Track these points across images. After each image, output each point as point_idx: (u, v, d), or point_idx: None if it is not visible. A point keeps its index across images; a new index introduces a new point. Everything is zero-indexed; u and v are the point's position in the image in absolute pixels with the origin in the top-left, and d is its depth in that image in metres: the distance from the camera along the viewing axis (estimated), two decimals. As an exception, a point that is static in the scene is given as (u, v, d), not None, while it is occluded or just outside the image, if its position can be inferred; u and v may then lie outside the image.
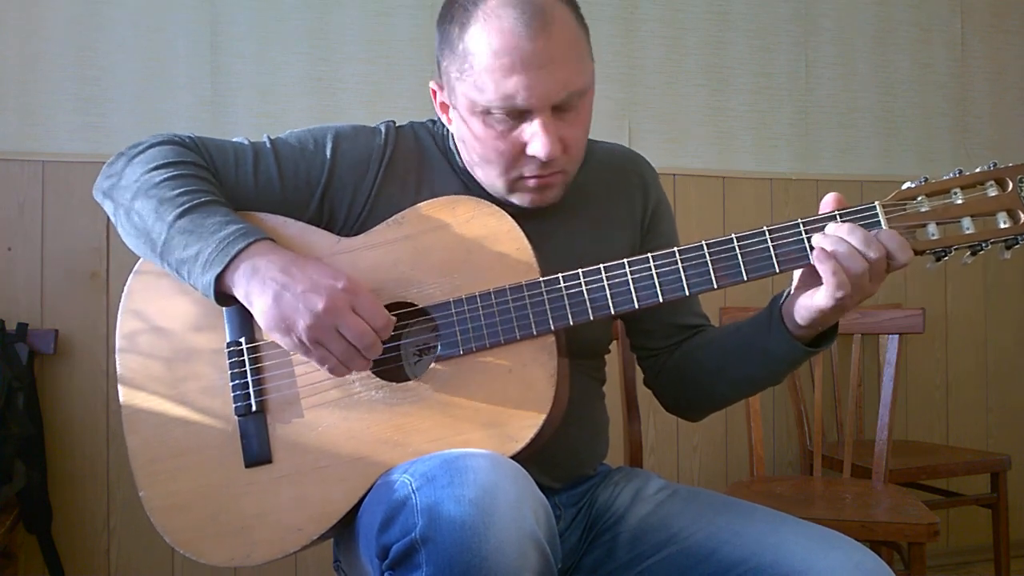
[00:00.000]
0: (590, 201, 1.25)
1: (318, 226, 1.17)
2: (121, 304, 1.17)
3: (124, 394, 1.15)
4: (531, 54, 1.04)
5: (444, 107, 1.17)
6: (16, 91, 2.27)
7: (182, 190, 1.09)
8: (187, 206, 1.07)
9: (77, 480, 2.25)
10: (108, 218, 1.16)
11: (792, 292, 1.10)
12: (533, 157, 1.09)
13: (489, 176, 1.15)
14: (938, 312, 2.96)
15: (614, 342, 1.53)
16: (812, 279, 1.04)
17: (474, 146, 1.12)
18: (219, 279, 1.04)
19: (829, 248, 1.01)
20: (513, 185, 1.14)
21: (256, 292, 1.03)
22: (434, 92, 1.18)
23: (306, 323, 1.01)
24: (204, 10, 2.39)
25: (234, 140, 1.21)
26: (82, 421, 2.25)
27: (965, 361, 3.01)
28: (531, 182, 1.12)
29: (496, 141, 1.10)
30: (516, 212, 1.13)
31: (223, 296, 1.06)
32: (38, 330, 2.21)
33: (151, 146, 1.15)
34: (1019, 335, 3.06)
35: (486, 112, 1.08)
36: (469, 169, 1.19)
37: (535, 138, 1.07)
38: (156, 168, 1.11)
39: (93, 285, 2.28)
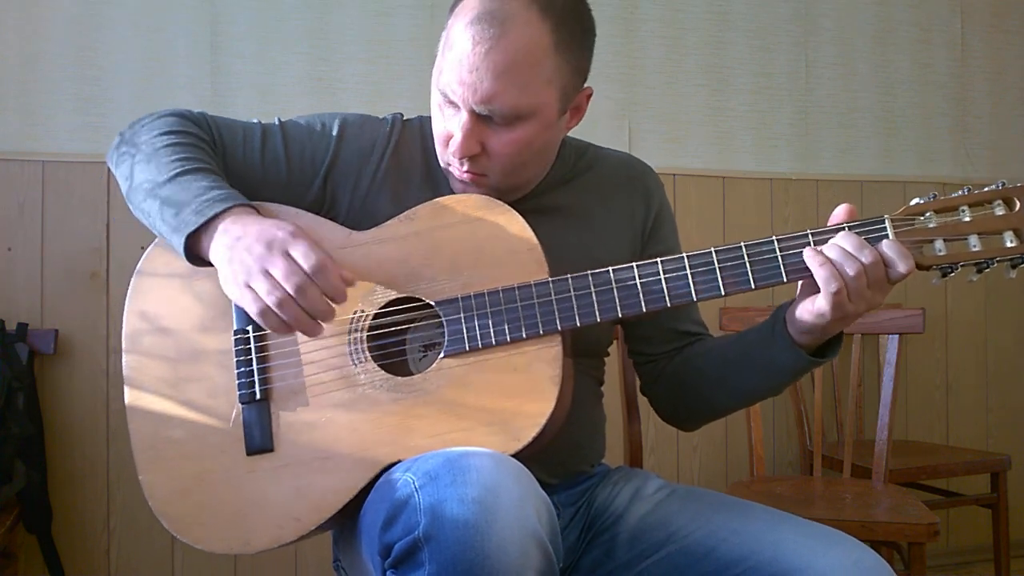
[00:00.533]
0: (594, 206, 1.25)
1: (320, 209, 1.19)
2: (126, 304, 1.18)
3: (129, 394, 1.15)
4: (465, 56, 1.06)
5: None
6: (16, 91, 2.27)
7: (178, 156, 1.12)
8: (178, 171, 1.10)
9: (77, 480, 2.25)
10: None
11: (796, 300, 1.10)
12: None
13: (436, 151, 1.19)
14: (938, 312, 2.96)
15: (614, 343, 1.53)
16: (814, 287, 1.05)
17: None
18: (193, 236, 1.06)
19: (820, 250, 1.03)
20: (446, 168, 1.18)
21: (217, 246, 1.05)
22: None
23: (242, 266, 1.01)
24: (204, 10, 2.39)
25: (246, 121, 1.24)
26: (82, 421, 2.25)
27: (965, 361, 3.01)
28: (454, 171, 1.16)
29: (436, 122, 1.15)
30: (525, 212, 1.13)
31: (194, 256, 1.08)
32: (38, 330, 2.21)
33: (161, 116, 1.19)
34: (1019, 335, 3.06)
35: (435, 92, 1.12)
36: None
37: (454, 131, 1.11)
38: (161, 134, 1.15)
39: (93, 285, 2.27)
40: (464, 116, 1.09)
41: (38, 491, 2.14)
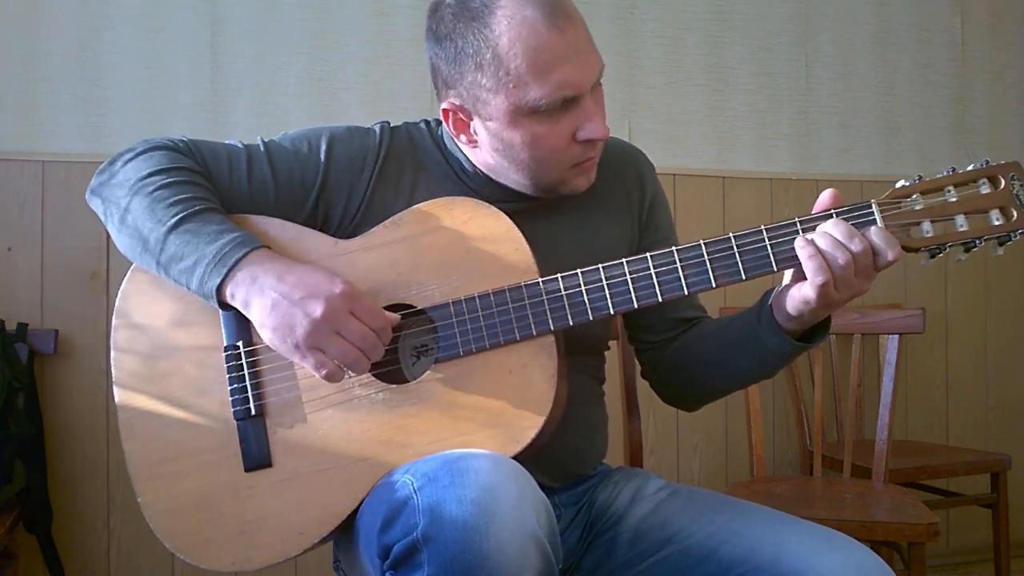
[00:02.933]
0: (588, 197, 1.24)
1: (314, 228, 1.17)
2: (116, 305, 1.17)
3: (119, 396, 1.14)
4: (567, 45, 1.06)
5: (463, 125, 1.15)
6: (16, 91, 2.27)
7: (177, 198, 1.09)
8: (183, 215, 1.08)
9: (77, 480, 2.25)
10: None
11: (783, 286, 1.11)
12: (585, 142, 1.11)
13: (541, 175, 1.15)
14: (938, 312, 2.96)
15: (614, 340, 1.53)
16: (802, 274, 1.05)
17: (522, 151, 1.12)
18: (219, 289, 1.05)
19: (812, 239, 1.03)
20: (566, 175, 1.15)
21: (255, 301, 1.04)
22: (447, 113, 1.15)
23: (305, 329, 1.02)
24: (204, 10, 2.39)
25: (228, 143, 1.21)
26: (82, 421, 2.25)
27: (965, 361, 3.01)
28: (584, 166, 1.15)
29: (548, 137, 1.10)
30: (516, 212, 1.13)
31: (224, 305, 1.07)
32: (38, 330, 2.21)
33: (144, 151, 1.15)
34: (1019, 335, 3.06)
35: (534, 111, 1.08)
36: (491, 174, 1.19)
37: (587, 123, 1.10)
38: (151, 175, 1.11)
39: (93, 285, 2.27)
40: (588, 100, 1.09)
41: (38, 491, 2.14)
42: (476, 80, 1.09)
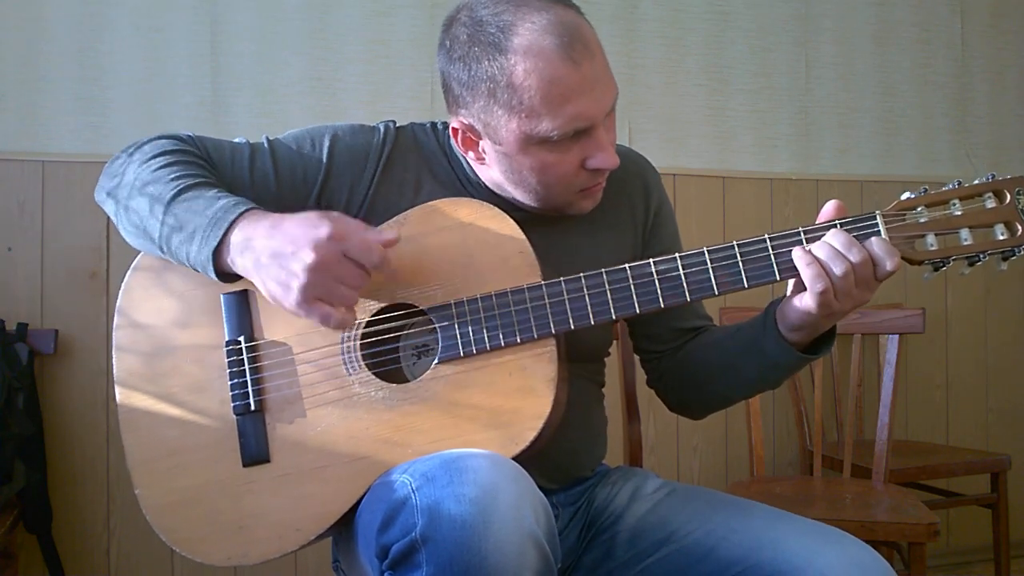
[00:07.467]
0: (595, 207, 1.25)
1: None
2: (118, 301, 1.17)
3: (120, 392, 1.14)
4: (582, 78, 1.05)
5: (472, 143, 1.14)
6: (16, 91, 2.27)
7: (174, 175, 1.09)
8: (178, 190, 1.07)
9: (77, 480, 2.25)
10: (108, 217, 1.16)
11: (787, 296, 1.10)
12: (595, 170, 1.11)
13: (548, 198, 1.15)
14: (938, 312, 2.96)
15: (614, 344, 1.53)
16: (803, 285, 1.04)
17: (530, 176, 1.12)
18: (218, 255, 1.03)
19: (811, 249, 1.03)
20: (572, 198, 1.15)
21: (251, 265, 1.01)
22: (456, 131, 1.14)
23: (302, 282, 0.98)
24: (204, 10, 2.39)
25: (233, 140, 1.21)
26: (82, 421, 2.25)
27: (965, 361, 3.01)
28: (591, 191, 1.14)
29: (558, 165, 1.10)
30: (520, 216, 1.13)
31: (224, 274, 1.05)
32: (38, 330, 2.21)
33: (148, 142, 1.15)
34: (1019, 335, 3.06)
35: (545, 141, 1.07)
36: (495, 189, 1.19)
37: (598, 153, 1.09)
38: (151, 159, 1.11)
39: (93, 285, 2.28)
40: (600, 130, 1.08)
41: (38, 491, 2.14)
42: (488, 105, 1.08)
